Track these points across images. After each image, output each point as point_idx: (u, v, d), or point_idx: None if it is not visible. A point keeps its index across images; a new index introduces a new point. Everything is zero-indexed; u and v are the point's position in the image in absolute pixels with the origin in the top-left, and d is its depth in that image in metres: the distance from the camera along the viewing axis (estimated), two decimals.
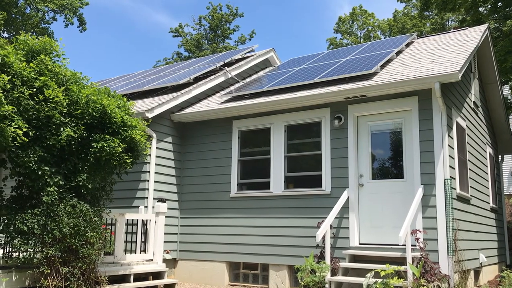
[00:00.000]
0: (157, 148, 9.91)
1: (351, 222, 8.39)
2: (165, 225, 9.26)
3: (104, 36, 69.34)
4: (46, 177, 6.73)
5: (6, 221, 6.79)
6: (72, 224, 6.73)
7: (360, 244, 8.32)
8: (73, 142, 7.00)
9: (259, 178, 9.67)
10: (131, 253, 8.55)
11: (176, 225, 10.28)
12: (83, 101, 7.15)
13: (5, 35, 28.97)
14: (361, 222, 8.44)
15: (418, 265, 6.89)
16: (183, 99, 10.61)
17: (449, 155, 7.95)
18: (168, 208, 9.52)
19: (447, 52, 9.44)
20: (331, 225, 8.14)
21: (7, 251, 7.03)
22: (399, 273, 6.85)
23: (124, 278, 8.07)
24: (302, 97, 8.98)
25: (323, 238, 7.85)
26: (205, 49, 38.53)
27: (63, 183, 6.90)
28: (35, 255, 6.73)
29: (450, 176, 7.81)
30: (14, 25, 28.81)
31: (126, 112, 7.66)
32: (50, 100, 6.81)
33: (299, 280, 7.54)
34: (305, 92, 9.11)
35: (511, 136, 13.08)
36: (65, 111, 6.97)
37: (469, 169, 9.32)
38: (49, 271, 6.67)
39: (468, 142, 9.38)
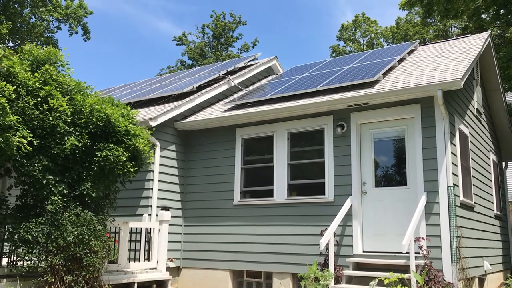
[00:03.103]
0: (160, 156, 9.95)
1: (355, 230, 8.39)
2: (169, 233, 9.29)
3: (108, 45, 69.75)
4: (50, 186, 6.78)
5: (10, 230, 6.85)
6: (76, 232, 6.76)
7: (363, 252, 8.31)
8: (77, 151, 7.05)
9: (262, 186, 9.69)
10: (134, 261, 8.58)
11: (179, 233, 10.29)
12: (87, 110, 7.21)
13: (10, 44, 29.19)
14: (364, 230, 8.43)
15: (422, 273, 6.88)
16: (186, 108, 10.66)
17: (452, 163, 7.95)
18: (172, 216, 9.55)
19: (449, 59, 9.46)
20: (334, 233, 8.13)
21: (12, 259, 7.08)
22: (403, 281, 6.84)
23: (128, 286, 8.09)
24: (305, 105, 9.01)
25: (327, 246, 7.84)
26: (209, 57, 38.70)
27: (67, 191, 6.95)
28: (39, 264, 6.77)
29: (454, 184, 7.81)
30: (19, 35, 29.04)
31: (130, 121, 7.71)
32: (55, 110, 6.88)
33: None
34: (308, 100, 9.15)
35: None
36: (69, 120, 7.03)
37: (473, 176, 9.31)
38: (53, 279, 6.70)
39: (471, 149, 9.38)
